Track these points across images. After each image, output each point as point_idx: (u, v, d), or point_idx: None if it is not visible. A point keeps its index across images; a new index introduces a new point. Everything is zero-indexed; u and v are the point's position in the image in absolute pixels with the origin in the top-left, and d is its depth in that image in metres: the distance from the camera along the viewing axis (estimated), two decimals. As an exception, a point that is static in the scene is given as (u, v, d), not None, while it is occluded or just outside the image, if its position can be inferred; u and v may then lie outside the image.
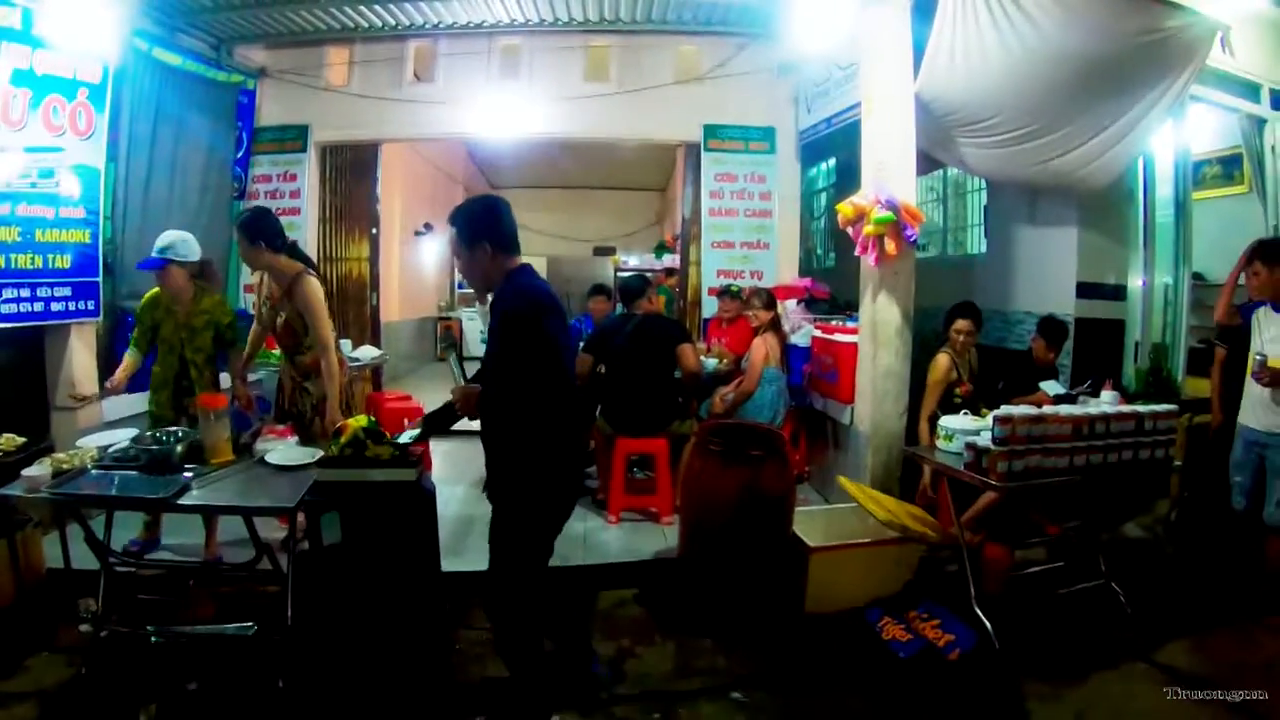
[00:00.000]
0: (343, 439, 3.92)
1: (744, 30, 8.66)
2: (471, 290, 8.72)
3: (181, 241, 5.17)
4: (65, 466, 3.90)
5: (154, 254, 5.07)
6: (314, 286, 5.07)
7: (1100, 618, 4.83)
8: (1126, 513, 6.31)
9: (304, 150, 9.22)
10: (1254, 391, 4.98)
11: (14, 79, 5.57)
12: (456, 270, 3.89)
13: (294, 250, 5.23)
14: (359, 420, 4.04)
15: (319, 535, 4.14)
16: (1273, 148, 8.16)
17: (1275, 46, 7.96)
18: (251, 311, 5.99)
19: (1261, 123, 8.09)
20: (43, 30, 5.68)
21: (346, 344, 8.03)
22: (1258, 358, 4.83)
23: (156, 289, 5.26)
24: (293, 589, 3.98)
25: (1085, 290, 7.17)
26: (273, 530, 4.82)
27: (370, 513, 3.91)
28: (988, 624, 4.43)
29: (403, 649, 3.99)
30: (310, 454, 4.18)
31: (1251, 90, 7.91)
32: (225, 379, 5.59)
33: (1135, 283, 7.52)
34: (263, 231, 4.96)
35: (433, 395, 9.91)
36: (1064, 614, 4.83)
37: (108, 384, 5.24)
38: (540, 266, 13.45)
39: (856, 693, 4.05)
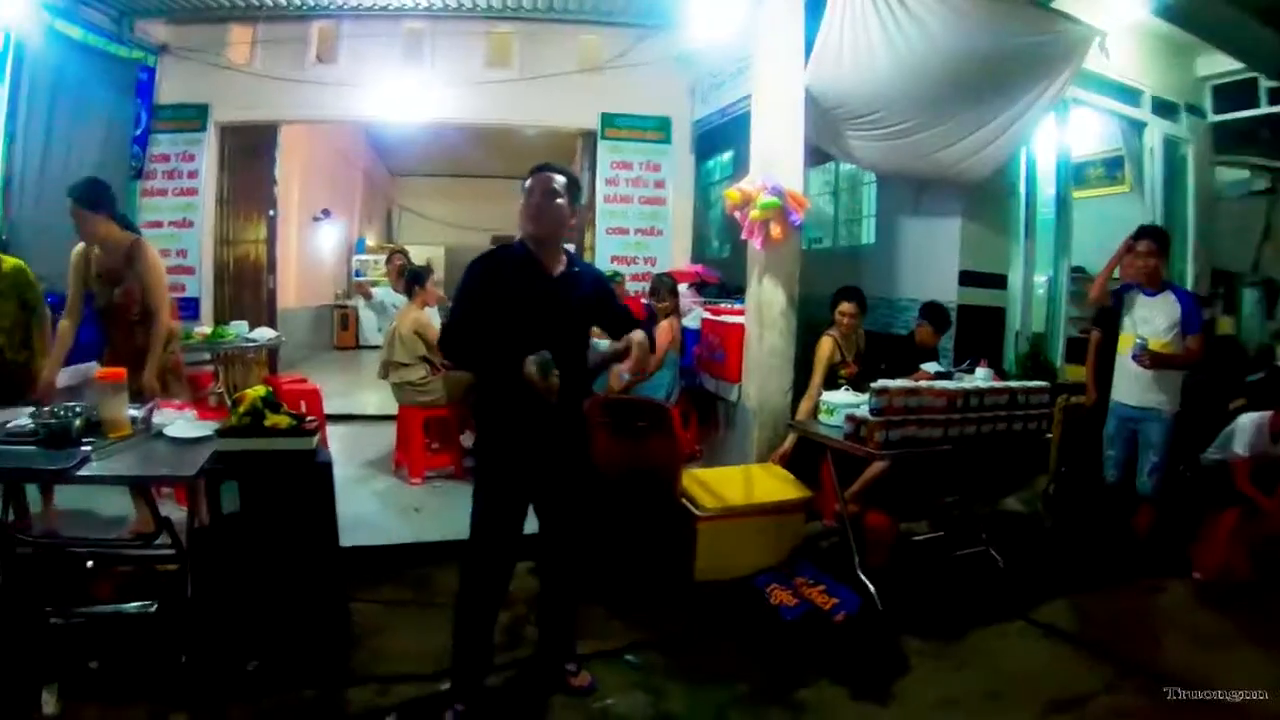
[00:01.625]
0: (241, 408, 3.90)
1: (644, 22, 8.82)
2: (367, 280, 8.68)
3: None
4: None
5: None
6: (155, 252, 5.01)
7: (980, 582, 5.07)
8: (1006, 487, 6.61)
9: (203, 130, 9.13)
10: (1129, 370, 5.27)
11: None
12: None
13: (125, 221, 5.12)
14: (257, 390, 4.02)
15: (219, 505, 4.05)
16: (1151, 150, 8.67)
17: (1155, 54, 8.41)
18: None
19: (1142, 126, 8.58)
20: None
21: (242, 325, 7.98)
22: (1138, 341, 5.11)
23: None
24: (192, 564, 3.91)
25: (967, 279, 7.43)
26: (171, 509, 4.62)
27: (268, 482, 3.90)
28: (871, 588, 4.59)
29: (302, 620, 3.94)
30: (209, 426, 4.12)
31: (1132, 96, 8.38)
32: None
33: (1016, 274, 7.83)
34: (104, 199, 4.83)
35: (332, 383, 9.92)
36: (945, 579, 5.06)
37: None
38: (438, 256, 13.51)
39: (746, 653, 4.17)
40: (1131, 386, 5.30)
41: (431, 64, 9.10)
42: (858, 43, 5.86)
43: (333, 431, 7.93)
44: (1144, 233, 5.43)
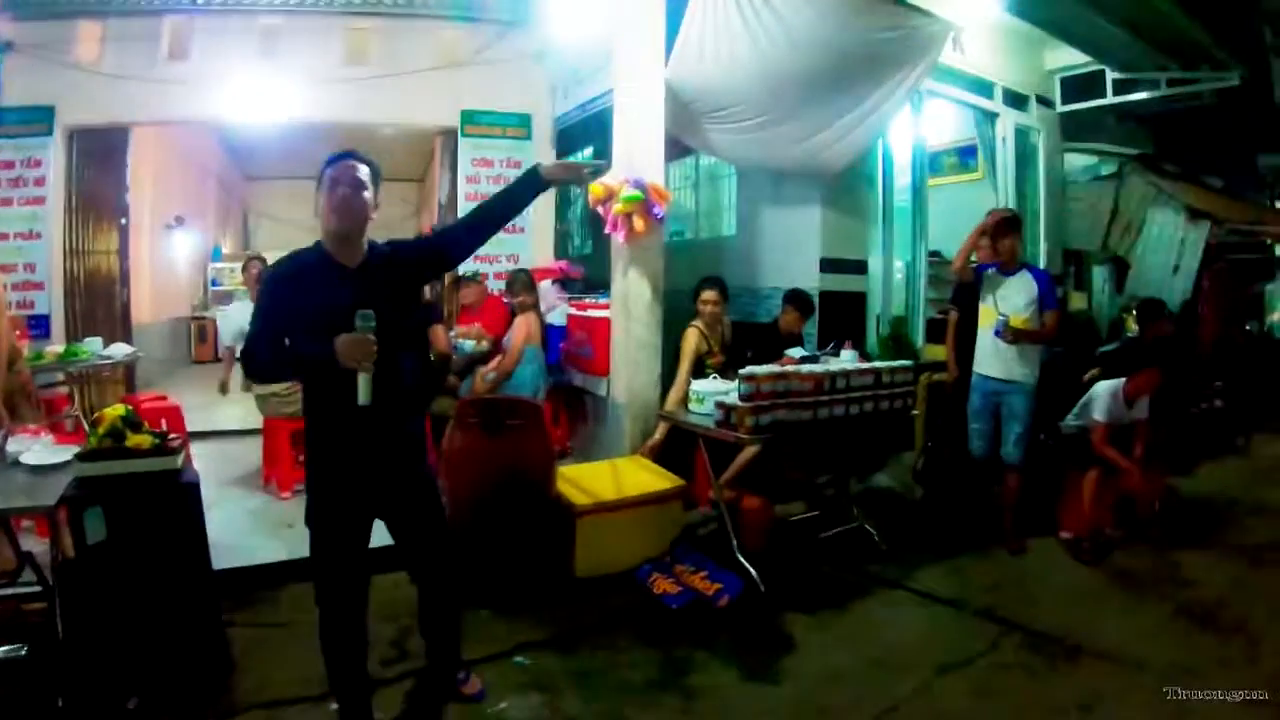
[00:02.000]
0: (101, 429, 3.77)
1: (503, 18, 8.76)
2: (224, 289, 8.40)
3: None
4: None
5: None
6: None
7: (857, 556, 5.25)
8: (875, 464, 6.82)
9: (50, 134, 8.61)
10: (991, 346, 5.45)
11: None
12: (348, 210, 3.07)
13: None
14: (116, 410, 3.89)
15: (83, 535, 3.80)
16: (1003, 139, 9.05)
17: (1006, 48, 8.80)
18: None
19: (994, 116, 8.93)
20: None
21: (97, 342, 7.61)
22: (1000, 317, 5.30)
23: None
24: (60, 601, 3.74)
25: (828, 265, 7.63)
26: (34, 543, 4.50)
27: (134, 506, 3.72)
28: (752, 570, 4.71)
29: (180, 649, 3.79)
30: (68, 451, 3.98)
31: (985, 87, 8.74)
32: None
33: (875, 259, 8.05)
34: None
35: (191, 399, 9.58)
36: (824, 556, 5.23)
37: None
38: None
39: (635, 645, 4.20)
40: (994, 361, 5.48)
41: (288, 61, 8.82)
42: (719, 37, 5.96)
43: (197, 449, 7.60)
44: (1005, 223, 5.58)
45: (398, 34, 8.98)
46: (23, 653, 3.87)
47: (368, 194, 3.20)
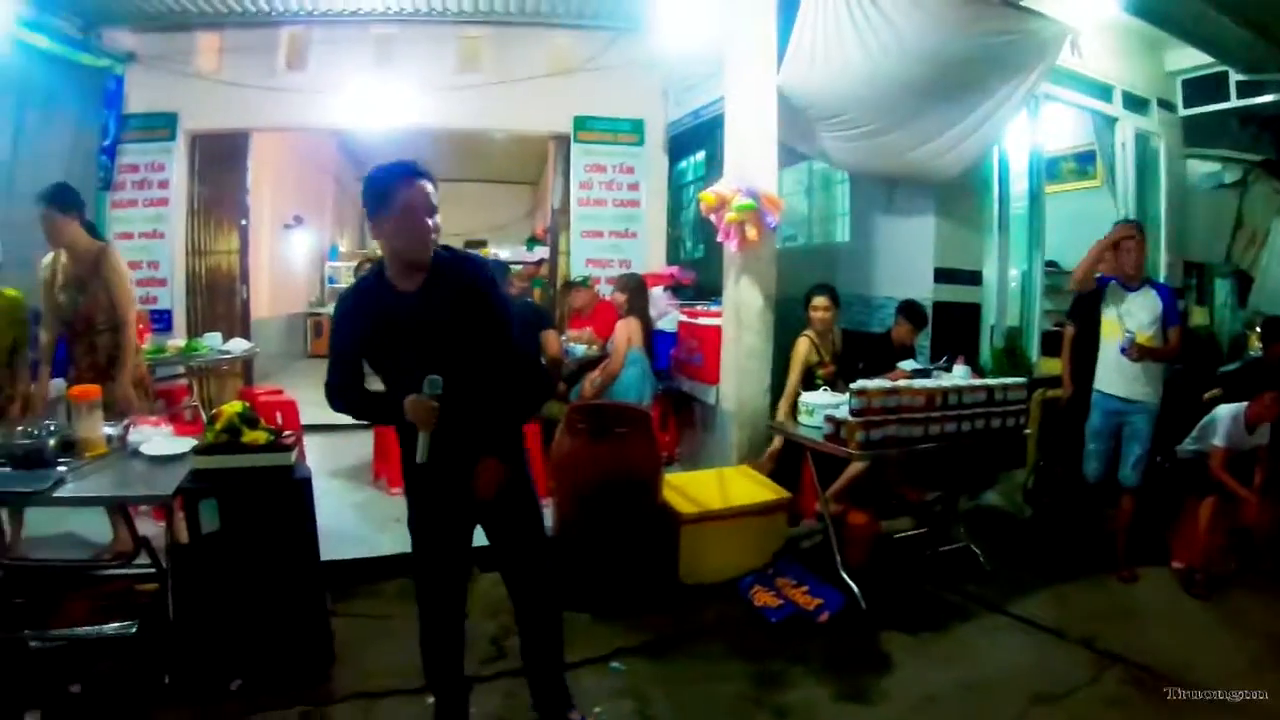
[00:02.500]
0: (219, 425, 3.88)
1: (615, 24, 8.78)
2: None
3: None
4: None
5: None
6: (122, 260, 5.03)
7: (961, 576, 5.13)
8: (985, 481, 6.67)
9: (173, 139, 8.94)
10: (1114, 363, 5.26)
11: None
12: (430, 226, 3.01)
13: (92, 228, 5.14)
14: (234, 406, 3.99)
15: (197, 524, 3.94)
16: (1123, 144, 8.71)
17: (1125, 50, 8.47)
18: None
19: (1113, 121, 8.61)
20: None
21: (216, 337, 7.85)
22: (1126, 334, 5.11)
23: None
24: (173, 583, 3.90)
25: (942, 276, 7.42)
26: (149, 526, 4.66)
27: (247, 499, 3.85)
28: (854, 587, 4.63)
29: (285, 636, 3.92)
30: (186, 443, 4.10)
31: (1104, 91, 8.43)
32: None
33: (990, 269, 7.84)
34: (74, 202, 4.83)
35: (307, 393, 9.81)
36: (928, 575, 5.12)
37: None
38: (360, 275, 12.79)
39: (731, 657, 4.17)
40: (1117, 379, 5.29)
41: (402, 69, 9.00)
42: (829, 44, 5.85)
43: (310, 442, 7.85)
44: (1127, 228, 5.42)
45: (510, 41, 9.08)
46: (133, 630, 4.00)
47: (439, 218, 3.02)
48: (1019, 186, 8.16)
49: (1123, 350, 5.10)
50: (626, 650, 4.19)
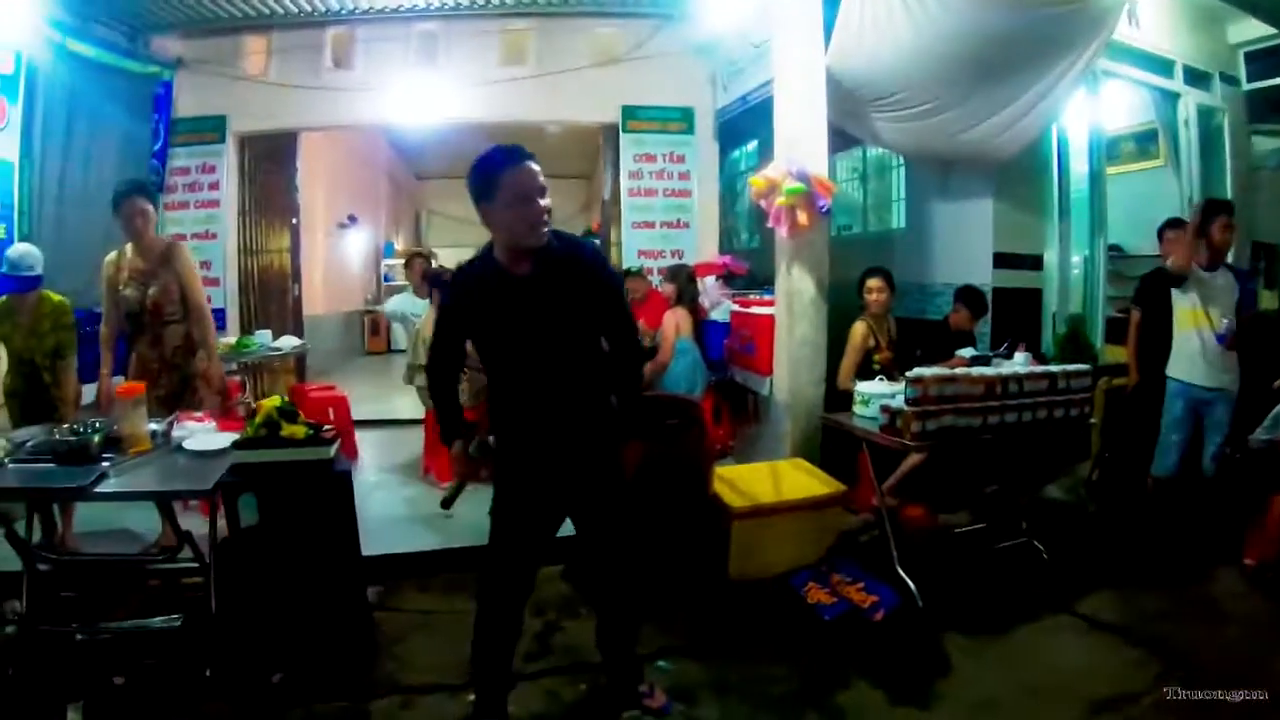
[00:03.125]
0: (257, 419, 3.89)
1: (660, 11, 8.66)
2: (407, 282, 8.72)
3: (37, 254, 5.06)
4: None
5: (20, 273, 4.96)
6: (190, 252, 5.22)
7: (1023, 574, 4.91)
8: (1048, 474, 6.42)
9: (222, 141, 9.06)
10: (1196, 350, 5.08)
11: None
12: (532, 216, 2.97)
13: None
14: (273, 400, 4.00)
15: (237, 519, 4.07)
16: (1186, 122, 8.42)
17: (1186, 22, 8.18)
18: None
19: (1175, 97, 8.33)
20: None
21: (267, 334, 8.00)
22: (1226, 322, 4.95)
23: (0, 303, 5.14)
24: (215, 577, 3.92)
25: (1002, 261, 7.24)
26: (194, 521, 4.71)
27: (287, 493, 3.89)
28: (911, 584, 4.46)
29: (326, 631, 3.95)
30: (228, 438, 4.10)
31: (1165, 66, 8.13)
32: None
33: (1051, 254, 7.62)
34: (156, 195, 5.03)
35: (363, 389, 10.01)
36: (987, 572, 4.90)
37: None
38: (467, 256, 13.53)
39: (782, 656, 4.04)
40: (1202, 367, 5.09)
41: (447, 64, 9.01)
42: (878, 20, 5.71)
43: (364, 437, 8.08)
44: (1220, 207, 5.19)
45: (554, 33, 9.01)
46: (177, 623, 4.16)
47: (549, 199, 2.98)
48: (1079, 168, 7.93)
49: (1220, 339, 4.92)
50: (673, 649, 4.09)
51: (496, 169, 2.94)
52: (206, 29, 8.80)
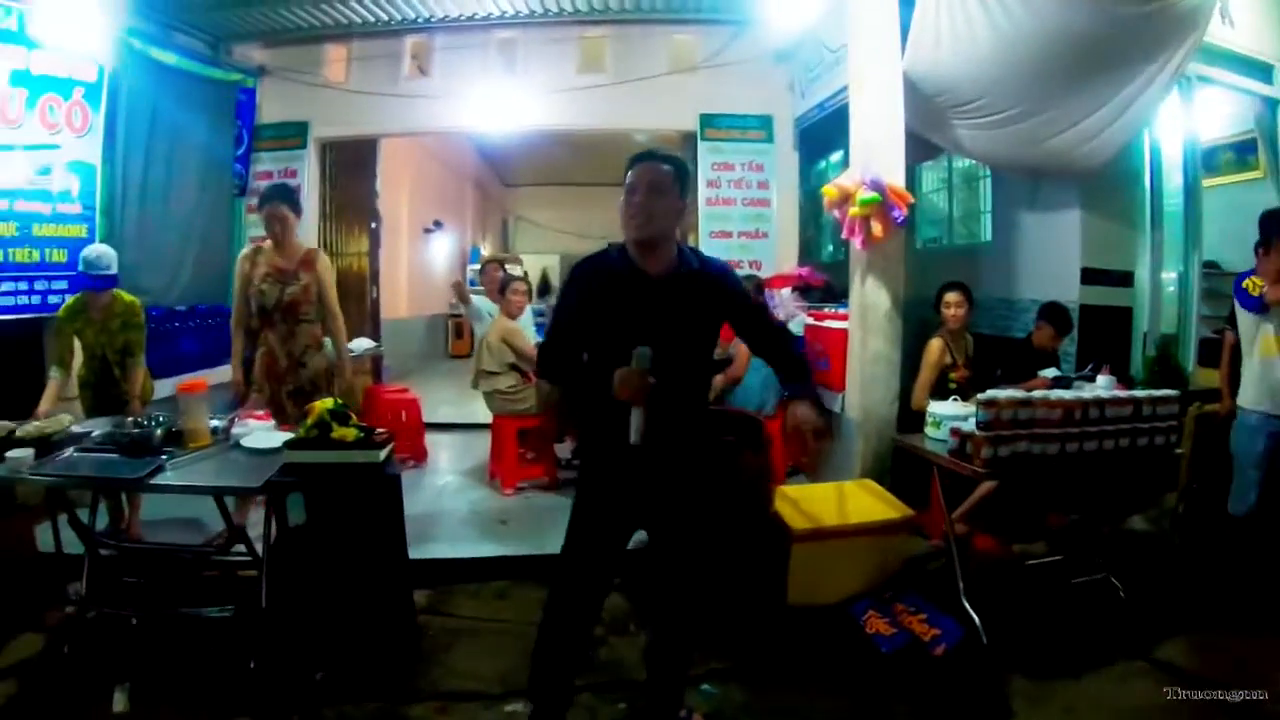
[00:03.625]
0: (310, 420, 3.98)
1: (737, 18, 8.52)
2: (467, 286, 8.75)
3: (112, 255, 5.24)
4: (48, 431, 4.22)
5: (96, 272, 5.13)
6: (329, 260, 5.50)
7: (1098, 613, 4.60)
8: (1131, 505, 6.07)
9: (304, 147, 9.27)
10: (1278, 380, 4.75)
11: (11, 79, 5.84)
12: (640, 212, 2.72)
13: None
14: (325, 403, 4.10)
15: (285, 517, 4.18)
16: (1286, 129, 7.96)
17: (1284, 23, 7.74)
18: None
19: (1275, 104, 7.87)
20: (38, 31, 5.94)
21: (341, 336, 8.12)
22: None
23: (74, 300, 5.35)
24: (267, 572, 4.04)
25: (1090, 276, 6.91)
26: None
27: (335, 493, 3.99)
28: (976, 618, 4.23)
29: (370, 632, 4.05)
30: (284, 437, 4.24)
31: (1263, 71, 7.69)
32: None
33: (1142, 270, 7.27)
34: (299, 203, 5.36)
35: (444, 392, 10.13)
36: (1059, 609, 4.61)
37: (36, 414, 5.02)
38: (553, 264, 13.87)
39: (833, 689, 3.89)
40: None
41: (525, 72, 9.04)
42: (956, 23, 5.53)
43: (439, 440, 8.35)
44: None
45: (631, 40, 8.97)
46: (229, 614, 4.34)
47: (668, 198, 3.01)
48: (1173, 179, 7.55)
49: None
50: (721, 672, 3.99)
51: (628, 166, 3.07)
52: (287, 38, 8.99)
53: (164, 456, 3.95)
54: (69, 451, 4.03)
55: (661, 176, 2.99)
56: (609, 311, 3.01)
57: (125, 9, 6.97)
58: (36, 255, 6.11)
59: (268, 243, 5.32)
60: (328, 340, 5.50)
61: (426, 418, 8.08)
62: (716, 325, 3.27)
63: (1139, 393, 4.60)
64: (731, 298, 3.21)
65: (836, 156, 10.32)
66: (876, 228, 5.58)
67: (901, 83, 5.82)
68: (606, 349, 2.98)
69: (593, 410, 3.14)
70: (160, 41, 7.69)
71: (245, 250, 5.45)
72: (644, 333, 2.87)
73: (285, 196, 5.29)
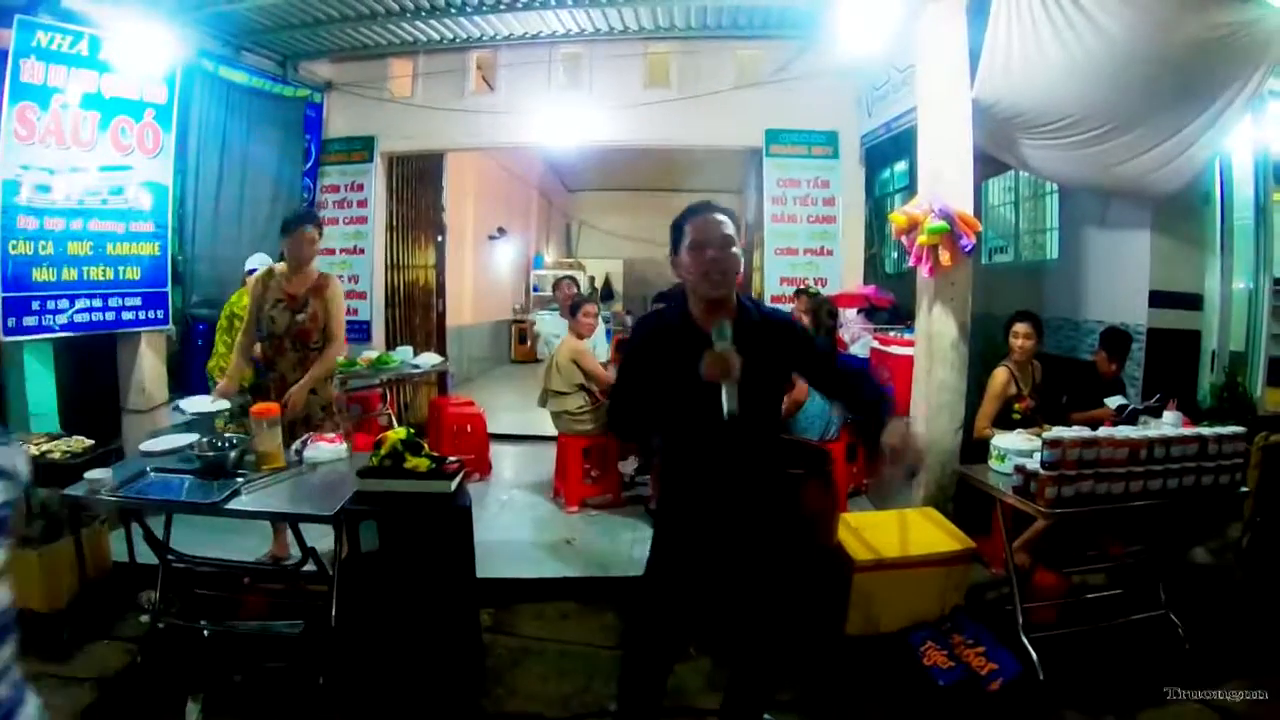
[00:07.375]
0: (382, 450, 4.07)
1: (803, 34, 8.49)
2: (553, 297, 8.87)
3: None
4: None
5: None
6: (340, 286, 5.45)
7: (1156, 651, 4.56)
8: (1194, 537, 5.99)
9: (370, 160, 9.44)
10: None
11: (83, 102, 5.98)
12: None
13: None
14: (398, 433, 4.18)
15: (358, 542, 4.24)
16: (1360, 144, 7.77)
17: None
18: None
19: (1345, 116, 7.70)
20: (109, 55, 6.08)
21: (407, 350, 8.31)
22: None
23: (243, 291, 5.94)
24: (338, 592, 4.13)
25: (1159, 299, 6.87)
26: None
27: (406, 522, 4.07)
28: (1033, 654, 4.24)
29: (436, 654, 4.10)
30: (342, 451, 4.51)
31: (1336, 83, 7.54)
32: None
33: (1211, 288, 7.18)
34: (322, 226, 5.39)
35: (506, 397, 10.26)
36: (1117, 646, 4.58)
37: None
38: (616, 269, 13.91)
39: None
40: None
41: (590, 87, 9.10)
42: (1027, 47, 5.47)
43: (504, 451, 8.45)
44: None
45: (696, 55, 8.97)
46: (299, 629, 4.40)
47: (737, 250, 2.94)
48: (1243, 194, 7.40)
49: None
50: (781, 703, 3.96)
51: (684, 219, 3.01)
52: (354, 54, 9.17)
53: (239, 479, 4.07)
54: (149, 472, 4.21)
55: (730, 231, 2.93)
56: (677, 375, 2.88)
57: (195, 31, 7.19)
58: (110, 273, 6.31)
59: (281, 266, 5.34)
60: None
61: (490, 428, 8.16)
62: (786, 376, 3.26)
63: (1205, 430, 4.53)
64: (799, 349, 3.16)
65: (901, 166, 10.28)
66: (944, 256, 5.55)
67: (970, 110, 5.77)
68: (678, 412, 2.97)
69: (668, 472, 3.18)
70: (230, 61, 7.92)
71: (259, 272, 5.50)
72: (707, 391, 2.79)
73: (313, 219, 5.35)
